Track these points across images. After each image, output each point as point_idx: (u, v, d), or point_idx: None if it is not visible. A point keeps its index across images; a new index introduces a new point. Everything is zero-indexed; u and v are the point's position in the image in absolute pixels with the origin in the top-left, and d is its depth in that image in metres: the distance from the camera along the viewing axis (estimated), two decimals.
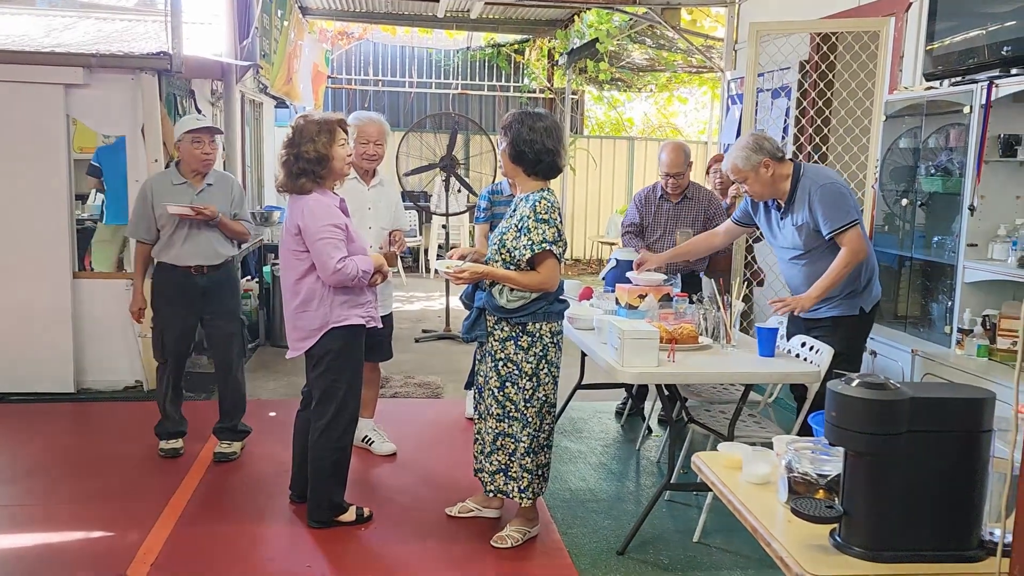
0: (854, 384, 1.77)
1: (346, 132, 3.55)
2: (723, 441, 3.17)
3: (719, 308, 3.78)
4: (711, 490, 2.44)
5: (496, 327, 3.41)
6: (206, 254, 4.32)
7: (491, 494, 3.55)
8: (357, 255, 3.47)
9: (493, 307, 3.37)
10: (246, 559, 3.40)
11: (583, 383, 5.18)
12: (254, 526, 3.69)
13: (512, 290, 3.34)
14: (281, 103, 9.72)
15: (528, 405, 3.39)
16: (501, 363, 3.41)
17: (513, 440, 3.44)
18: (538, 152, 3.32)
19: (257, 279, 7.27)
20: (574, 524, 3.80)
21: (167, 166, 4.68)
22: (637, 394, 5.14)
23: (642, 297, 3.99)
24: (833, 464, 2.01)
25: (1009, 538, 1.48)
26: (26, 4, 7.28)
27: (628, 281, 4.23)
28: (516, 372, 3.38)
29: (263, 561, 3.38)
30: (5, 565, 3.29)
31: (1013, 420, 1.49)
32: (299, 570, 3.32)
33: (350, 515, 3.65)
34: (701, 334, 3.75)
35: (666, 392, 3.77)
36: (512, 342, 3.38)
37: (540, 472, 3.49)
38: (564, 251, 3.38)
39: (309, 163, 3.42)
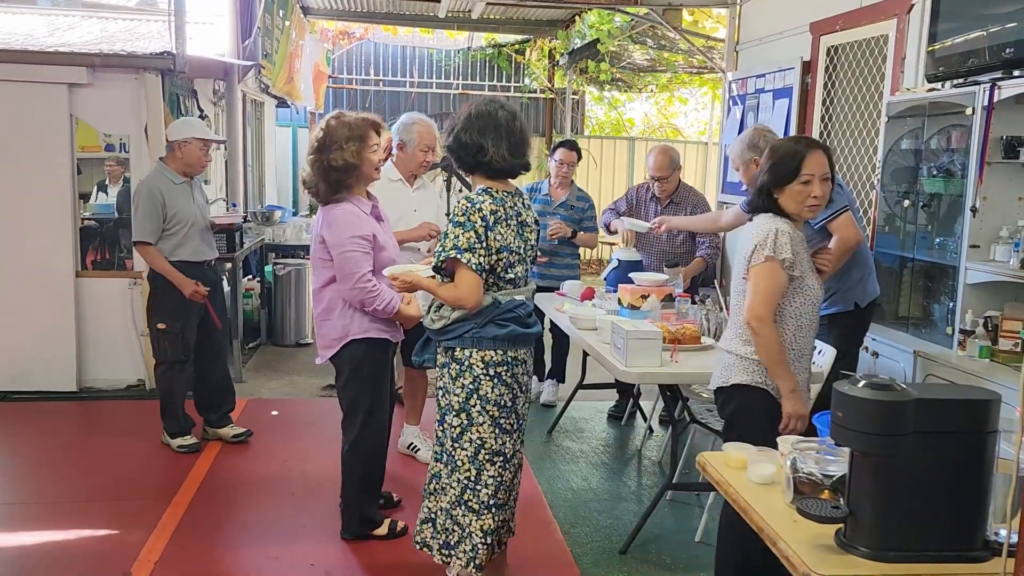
0: (860, 385, 1.78)
1: (379, 134, 3.33)
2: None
3: (721, 308, 3.79)
4: (713, 490, 2.45)
5: (438, 351, 2.94)
6: (213, 248, 4.63)
7: (417, 546, 3.02)
8: (390, 291, 3.28)
9: (425, 327, 2.93)
10: (250, 557, 3.41)
11: (584, 383, 5.20)
12: (257, 524, 3.70)
13: (440, 307, 2.86)
14: (282, 103, 9.73)
15: (456, 446, 2.85)
16: (440, 392, 2.93)
17: (444, 484, 2.93)
18: (462, 147, 2.78)
19: (259, 278, 7.28)
20: (576, 523, 3.81)
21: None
22: (636, 393, 5.15)
23: (644, 297, 4.01)
24: (838, 464, 2.02)
25: (1015, 538, 1.50)
26: (29, 3, 7.29)
27: (630, 281, 4.24)
28: (448, 405, 2.89)
29: (267, 559, 3.39)
30: (9, 563, 3.30)
31: (1019, 422, 1.50)
32: (303, 568, 3.33)
33: (383, 529, 3.56)
34: (704, 334, 3.76)
35: (668, 392, 3.78)
36: (445, 369, 2.89)
37: (482, 538, 2.84)
38: (490, 262, 2.74)
39: (336, 171, 3.23)
